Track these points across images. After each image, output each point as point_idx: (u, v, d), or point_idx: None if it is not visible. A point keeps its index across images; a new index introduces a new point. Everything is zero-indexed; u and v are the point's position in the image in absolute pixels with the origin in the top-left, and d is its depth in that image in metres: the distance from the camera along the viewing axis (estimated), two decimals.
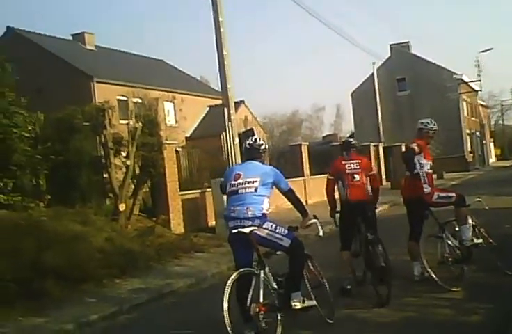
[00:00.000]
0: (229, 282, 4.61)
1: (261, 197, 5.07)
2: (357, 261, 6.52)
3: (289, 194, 5.31)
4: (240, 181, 5.12)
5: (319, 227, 5.29)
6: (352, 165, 6.78)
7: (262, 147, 5.40)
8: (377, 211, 7.18)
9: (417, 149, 6.41)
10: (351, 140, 7.20)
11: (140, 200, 12.42)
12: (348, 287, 6.46)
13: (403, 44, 41.76)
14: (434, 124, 6.72)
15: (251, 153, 5.39)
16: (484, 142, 50.61)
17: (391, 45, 41.89)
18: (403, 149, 6.48)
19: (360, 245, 6.49)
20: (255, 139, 5.45)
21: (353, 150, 6.97)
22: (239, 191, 5.08)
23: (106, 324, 6.35)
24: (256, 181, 5.08)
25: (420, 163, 6.53)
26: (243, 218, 4.94)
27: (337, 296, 5.62)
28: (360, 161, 6.85)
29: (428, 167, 6.56)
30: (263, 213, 5.01)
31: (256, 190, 5.05)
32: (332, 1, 77.49)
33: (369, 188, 6.82)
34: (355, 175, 6.72)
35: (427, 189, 6.49)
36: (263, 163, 5.40)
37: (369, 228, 6.46)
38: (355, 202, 6.59)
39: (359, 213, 6.54)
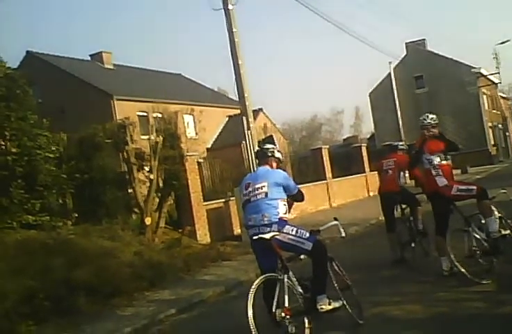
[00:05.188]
0: (252, 288, 4.54)
1: (275, 201, 5.04)
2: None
3: (298, 195, 5.38)
4: (250, 189, 5.15)
5: (341, 228, 5.32)
6: (388, 163, 8.14)
7: (270, 151, 5.42)
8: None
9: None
10: (389, 143, 8.48)
11: (165, 212, 12.52)
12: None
13: (419, 42, 41.37)
14: (426, 118, 6.84)
15: (260, 158, 5.52)
16: (507, 134, 49.67)
17: (406, 43, 41.54)
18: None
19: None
20: (264, 144, 5.74)
21: (394, 151, 8.29)
22: (251, 199, 5.10)
23: None
24: (264, 186, 5.08)
25: (427, 159, 6.49)
26: (260, 225, 4.96)
27: (365, 295, 5.57)
28: (395, 159, 8.10)
29: (439, 159, 6.43)
30: (279, 218, 4.99)
31: (266, 195, 5.04)
32: (343, 5, 77.32)
33: (401, 180, 8.02)
34: (389, 171, 8.05)
35: (441, 181, 6.38)
36: (272, 167, 5.39)
37: (410, 205, 7.93)
38: (385, 193, 8.06)
39: (391, 201, 7.94)
